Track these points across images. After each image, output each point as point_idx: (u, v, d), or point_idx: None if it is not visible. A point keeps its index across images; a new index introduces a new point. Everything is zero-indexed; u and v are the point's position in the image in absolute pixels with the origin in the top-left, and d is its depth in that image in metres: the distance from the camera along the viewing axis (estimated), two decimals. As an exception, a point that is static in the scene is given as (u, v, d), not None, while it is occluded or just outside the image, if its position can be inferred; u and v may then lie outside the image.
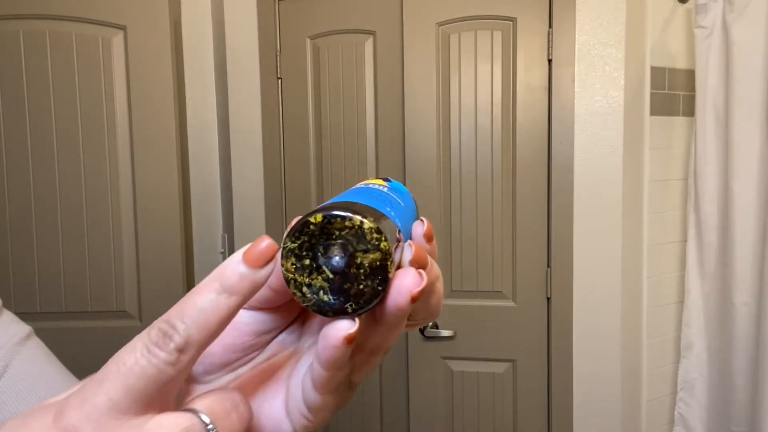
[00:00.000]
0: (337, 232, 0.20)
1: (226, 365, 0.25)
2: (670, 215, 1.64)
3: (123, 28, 1.39)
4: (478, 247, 1.58)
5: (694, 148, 1.53)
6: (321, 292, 0.21)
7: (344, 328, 0.20)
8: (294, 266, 0.21)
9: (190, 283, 1.53)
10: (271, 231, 1.71)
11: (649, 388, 1.64)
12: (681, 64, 1.60)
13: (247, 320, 0.25)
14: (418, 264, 0.22)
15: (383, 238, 0.20)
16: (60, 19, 1.39)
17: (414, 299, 0.21)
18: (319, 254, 0.21)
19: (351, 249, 0.20)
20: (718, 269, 1.52)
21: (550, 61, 1.51)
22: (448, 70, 1.56)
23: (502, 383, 1.61)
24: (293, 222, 0.21)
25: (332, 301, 0.21)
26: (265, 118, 1.69)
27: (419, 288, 0.21)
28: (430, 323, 1.60)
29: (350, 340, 0.20)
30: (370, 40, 1.62)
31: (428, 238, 0.25)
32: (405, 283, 0.21)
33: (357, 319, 0.21)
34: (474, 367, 1.61)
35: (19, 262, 1.41)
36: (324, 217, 0.20)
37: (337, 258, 0.20)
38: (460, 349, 1.61)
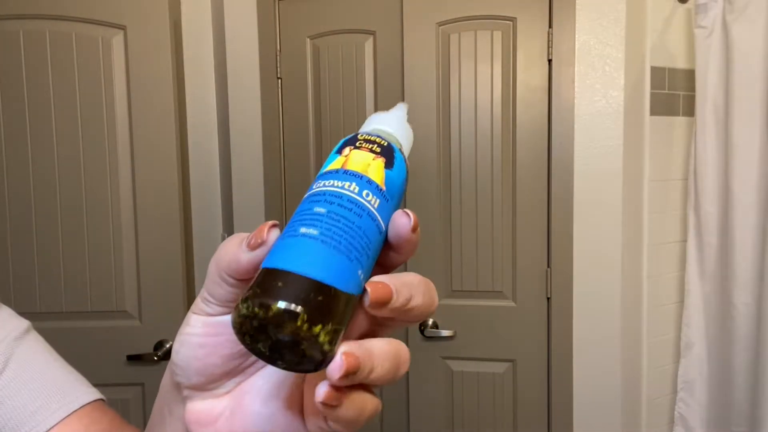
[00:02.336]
0: (288, 328, 0.19)
1: (229, 374, 0.25)
2: (670, 215, 1.63)
3: (123, 28, 1.39)
4: (478, 247, 1.58)
5: (694, 148, 1.53)
6: (271, 358, 0.21)
7: (336, 369, 0.20)
8: (244, 328, 0.20)
9: (190, 283, 1.53)
10: (271, 231, 1.70)
11: (649, 388, 1.64)
12: (681, 64, 1.60)
13: None
14: (378, 304, 0.21)
15: (335, 341, 0.20)
16: (60, 19, 1.39)
17: (349, 372, 0.20)
18: (269, 337, 0.20)
19: (298, 348, 0.20)
20: (718, 269, 1.52)
21: (550, 61, 1.51)
22: (448, 70, 1.56)
23: (502, 383, 1.60)
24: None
25: (280, 365, 0.21)
26: (265, 118, 1.69)
27: (351, 368, 0.20)
28: (430, 322, 1.61)
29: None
30: (370, 40, 1.62)
31: (413, 230, 0.24)
32: (334, 367, 0.20)
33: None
34: (474, 367, 1.61)
35: (19, 262, 1.41)
36: (275, 315, 0.19)
37: (281, 349, 0.20)
38: (460, 349, 1.61)
